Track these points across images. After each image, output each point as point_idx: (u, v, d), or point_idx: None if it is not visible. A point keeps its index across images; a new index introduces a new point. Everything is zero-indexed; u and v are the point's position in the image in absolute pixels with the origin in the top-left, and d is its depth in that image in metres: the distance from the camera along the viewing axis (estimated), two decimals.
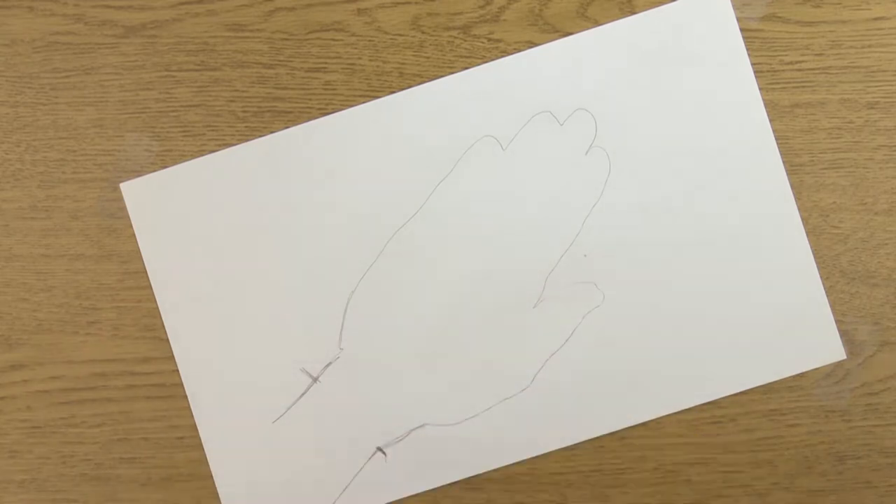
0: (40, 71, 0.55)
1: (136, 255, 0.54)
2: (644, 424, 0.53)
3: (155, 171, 0.54)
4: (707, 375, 0.53)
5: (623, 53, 0.54)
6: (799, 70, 0.54)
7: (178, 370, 0.54)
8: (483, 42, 0.54)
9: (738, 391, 0.53)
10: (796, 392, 0.53)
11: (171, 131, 0.55)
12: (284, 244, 0.54)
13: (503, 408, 0.52)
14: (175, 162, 0.54)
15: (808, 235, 0.54)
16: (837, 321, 0.53)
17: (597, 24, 0.54)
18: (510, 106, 0.54)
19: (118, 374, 0.54)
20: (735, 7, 0.54)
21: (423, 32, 0.55)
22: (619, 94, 0.54)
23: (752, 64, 0.54)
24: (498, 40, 0.54)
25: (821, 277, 0.53)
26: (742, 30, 0.54)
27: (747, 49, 0.54)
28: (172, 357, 0.54)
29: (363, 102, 0.54)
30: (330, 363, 0.52)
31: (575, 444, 0.53)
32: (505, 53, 0.54)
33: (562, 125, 0.54)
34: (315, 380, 0.53)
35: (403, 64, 0.55)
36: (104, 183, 0.54)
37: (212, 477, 0.53)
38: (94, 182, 0.54)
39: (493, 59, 0.54)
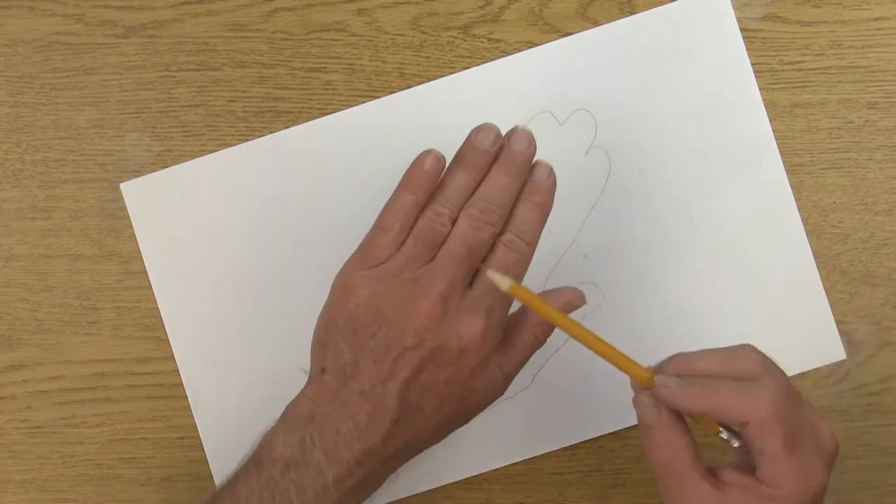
0: (40, 71, 0.55)
1: (136, 255, 0.54)
2: None
3: (155, 171, 0.54)
4: None
5: (623, 53, 0.54)
6: (799, 70, 0.54)
7: (178, 370, 0.54)
8: (483, 42, 0.54)
9: None
10: None
11: (171, 131, 0.55)
12: (284, 244, 0.54)
13: (503, 408, 0.51)
14: (175, 162, 0.54)
15: (808, 235, 0.53)
16: (837, 321, 0.53)
17: (597, 24, 0.54)
18: (510, 106, 0.54)
19: (118, 374, 0.54)
20: (735, 7, 0.54)
21: (423, 32, 0.55)
22: (619, 94, 0.54)
23: (752, 64, 0.54)
24: (498, 40, 0.54)
25: (821, 277, 0.53)
26: (742, 30, 0.54)
27: (747, 49, 0.54)
28: (172, 357, 0.54)
29: (363, 102, 0.54)
30: None
31: (575, 444, 0.53)
32: (505, 53, 0.54)
33: (562, 125, 0.54)
34: None
35: (403, 64, 0.55)
36: (104, 183, 0.54)
37: (212, 477, 0.53)
38: (94, 182, 0.54)
39: (493, 59, 0.54)
